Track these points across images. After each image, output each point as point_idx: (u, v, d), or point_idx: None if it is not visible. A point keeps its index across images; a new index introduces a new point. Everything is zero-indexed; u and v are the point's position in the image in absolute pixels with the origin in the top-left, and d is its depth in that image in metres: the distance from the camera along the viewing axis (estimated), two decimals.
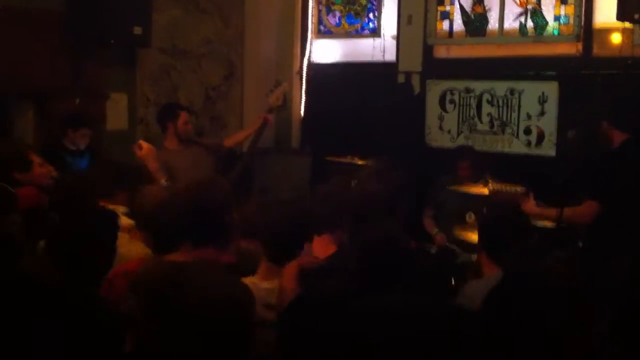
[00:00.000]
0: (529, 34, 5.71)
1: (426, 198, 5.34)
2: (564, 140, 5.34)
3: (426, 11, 6.14)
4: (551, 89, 5.53)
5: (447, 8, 6.13)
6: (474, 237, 4.04)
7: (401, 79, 6.28)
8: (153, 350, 2.25)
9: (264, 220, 2.92)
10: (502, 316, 1.82)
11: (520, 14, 5.75)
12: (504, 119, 5.78)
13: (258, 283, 2.72)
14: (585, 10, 5.43)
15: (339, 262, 2.70)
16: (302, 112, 6.87)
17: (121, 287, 2.84)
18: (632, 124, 4.18)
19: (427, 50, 6.19)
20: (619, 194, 3.91)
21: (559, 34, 5.59)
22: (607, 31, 5.39)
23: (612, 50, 5.36)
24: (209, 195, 2.76)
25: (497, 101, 5.81)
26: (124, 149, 5.90)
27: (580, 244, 4.13)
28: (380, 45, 6.44)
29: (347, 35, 6.77)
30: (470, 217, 4.84)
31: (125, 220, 3.40)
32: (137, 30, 5.56)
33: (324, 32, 6.89)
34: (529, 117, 5.65)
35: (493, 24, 5.88)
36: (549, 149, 5.55)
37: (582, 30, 5.44)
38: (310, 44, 6.88)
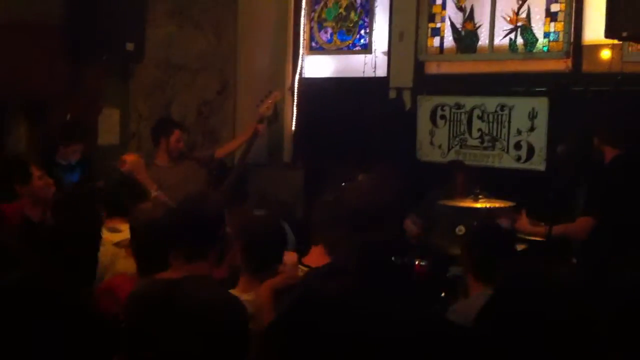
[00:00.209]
0: (519, 51, 5.76)
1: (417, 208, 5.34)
2: (553, 156, 5.37)
3: (417, 28, 6.19)
4: (541, 104, 5.57)
5: (438, 25, 6.18)
6: None
7: (392, 94, 6.31)
8: None
9: (241, 232, 2.93)
10: (499, 330, 1.82)
11: (510, 31, 5.80)
12: (495, 134, 5.81)
13: (238, 295, 2.73)
14: (574, 27, 5.49)
15: (334, 269, 2.70)
16: (293, 127, 6.89)
17: (108, 302, 2.84)
18: (622, 139, 4.21)
19: (418, 66, 6.23)
20: (613, 210, 3.93)
21: (548, 50, 5.63)
22: (597, 47, 5.44)
23: (602, 67, 5.40)
24: (202, 210, 2.76)
25: (488, 117, 5.84)
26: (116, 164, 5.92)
27: (574, 260, 4.13)
28: (372, 61, 6.48)
29: (339, 51, 6.81)
30: (461, 230, 4.83)
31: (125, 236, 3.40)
32: (130, 46, 5.58)
33: (315, 48, 6.93)
34: (519, 132, 5.68)
35: (483, 40, 5.93)
36: (539, 164, 5.58)
37: (571, 46, 5.49)
38: (302, 59, 6.92)
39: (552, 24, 5.61)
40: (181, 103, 6.54)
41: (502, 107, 5.77)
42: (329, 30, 6.83)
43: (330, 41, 6.85)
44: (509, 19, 5.80)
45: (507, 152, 5.73)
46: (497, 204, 4.52)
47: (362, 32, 6.64)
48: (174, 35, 6.39)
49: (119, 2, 5.51)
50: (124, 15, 5.52)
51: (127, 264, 3.21)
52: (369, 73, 6.47)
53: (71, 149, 5.14)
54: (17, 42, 5.20)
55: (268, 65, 6.94)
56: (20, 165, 4.13)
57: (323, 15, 6.85)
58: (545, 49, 5.65)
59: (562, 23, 5.54)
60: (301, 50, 6.91)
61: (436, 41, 6.18)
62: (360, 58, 6.57)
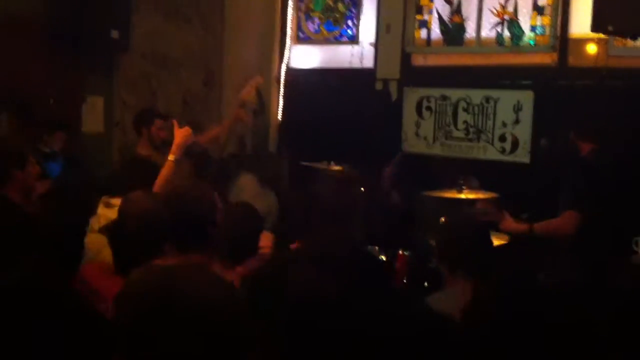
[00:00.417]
0: (506, 44, 5.78)
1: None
2: (538, 148, 5.40)
3: (405, 20, 6.19)
4: (526, 97, 5.59)
5: (426, 17, 6.19)
6: None
7: (379, 85, 6.32)
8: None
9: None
10: (497, 329, 1.81)
11: (497, 24, 5.81)
12: (480, 126, 5.82)
13: None
14: (561, 21, 5.51)
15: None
16: (279, 117, 6.88)
17: (84, 294, 2.81)
18: (597, 134, 4.24)
19: (405, 58, 6.23)
20: (596, 201, 3.95)
21: (535, 44, 5.65)
22: (583, 42, 5.46)
23: (588, 61, 5.43)
24: (194, 201, 2.75)
25: (473, 109, 5.86)
26: (99, 152, 5.89)
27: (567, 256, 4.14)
28: (359, 52, 6.48)
29: (326, 41, 6.80)
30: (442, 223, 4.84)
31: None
32: (115, 34, 5.54)
33: (302, 38, 6.92)
34: (504, 124, 5.70)
35: (470, 33, 5.94)
36: (523, 157, 5.60)
37: (558, 40, 5.51)
38: (289, 50, 6.90)
39: (539, 17, 5.63)
40: (166, 94, 6.51)
41: (488, 99, 5.78)
42: (316, 21, 6.82)
43: (317, 32, 6.83)
44: (496, 12, 5.81)
45: (492, 144, 5.75)
46: (480, 196, 4.54)
47: (350, 23, 6.63)
48: (160, 26, 6.35)
49: None
50: (109, 3, 5.48)
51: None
52: (356, 64, 6.47)
53: (55, 136, 5.10)
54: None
55: (255, 55, 6.92)
56: (18, 149, 4.10)
57: (310, 6, 6.84)
58: (531, 42, 5.67)
59: (549, 17, 5.56)
60: (288, 41, 6.89)
61: (423, 33, 6.19)
62: (347, 49, 6.56)
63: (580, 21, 5.34)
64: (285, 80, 6.87)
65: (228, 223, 2.88)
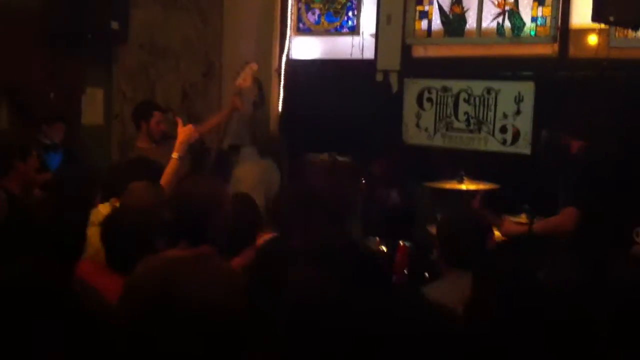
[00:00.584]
0: (506, 35, 5.76)
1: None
2: (539, 140, 5.38)
3: (405, 11, 6.16)
4: (527, 89, 5.57)
5: (426, 8, 6.16)
6: None
7: (379, 77, 6.29)
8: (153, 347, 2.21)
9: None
10: (498, 329, 1.80)
11: (498, 15, 5.79)
12: (481, 117, 5.81)
13: None
14: (562, 12, 5.48)
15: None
16: (279, 109, 6.86)
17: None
18: (596, 129, 4.24)
19: (406, 49, 6.21)
20: (594, 196, 3.94)
21: (535, 34, 5.63)
22: (584, 32, 5.44)
23: (588, 52, 5.41)
24: (203, 195, 2.73)
25: (474, 100, 5.84)
26: (99, 144, 5.88)
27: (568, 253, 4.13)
28: (359, 43, 6.45)
29: (326, 32, 6.78)
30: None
31: None
32: (115, 25, 5.53)
33: (303, 29, 6.90)
34: (505, 116, 5.69)
35: (471, 24, 5.92)
36: (524, 148, 5.59)
37: (558, 31, 5.49)
38: (289, 41, 6.88)
39: (540, 8, 5.60)
40: (166, 85, 6.50)
41: (489, 90, 5.76)
42: (317, 12, 6.79)
43: (317, 23, 6.81)
44: (496, 3, 5.78)
45: (493, 135, 5.74)
46: (481, 187, 4.53)
47: (350, 14, 6.61)
48: (158, 17, 6.33)
49: None
50: None
51: None
52: (357, 55, 6.45)
53: (54, 128, 5.10)
54: None
55: (254, 47, 6.89)
56: (20, 140, 4.10)
57: None
58: (532, 33, 5.65)
59: (550, 8, 5.53)
60: (288, 32, 6.87)
61: (424, 24, 6.16)
62: (347, 40, 6.54)
63: (581, 11, 5.31)
64: (286, 71, 6.85)
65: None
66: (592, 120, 4.36)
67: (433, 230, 4.28)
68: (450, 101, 5.96)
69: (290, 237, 2.64)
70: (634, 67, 5.16)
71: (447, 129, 5.99)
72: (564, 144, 4.16)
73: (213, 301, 2.02)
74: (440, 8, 6.06)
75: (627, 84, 5.13)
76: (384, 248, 4.15)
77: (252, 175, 5.31)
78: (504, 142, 5.69)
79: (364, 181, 5.17)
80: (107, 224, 2.98)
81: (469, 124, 5.87)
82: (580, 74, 5.33)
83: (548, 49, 5.56)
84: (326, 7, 6.73)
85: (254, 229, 3.01)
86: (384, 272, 2.65)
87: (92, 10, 5.35)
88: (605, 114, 4.85)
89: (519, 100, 5.61)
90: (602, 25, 4.90)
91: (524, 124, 5.59)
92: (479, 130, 5.82)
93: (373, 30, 6.42)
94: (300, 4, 6.87)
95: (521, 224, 4.14)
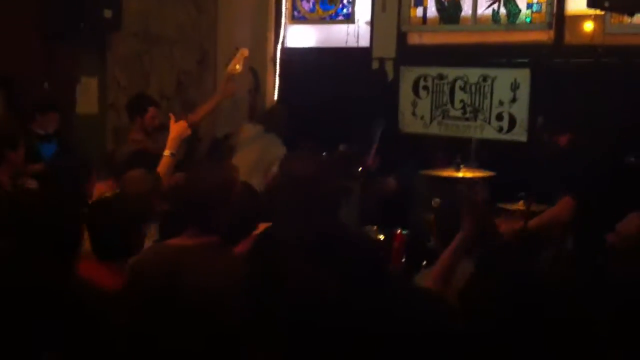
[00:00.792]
0: (502, 22, 5.74)
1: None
2: (535, 127, 5.39)
3: None
4: (523, 76, 5.57)
5: None
6: None
7: (375, 65, 6.28)
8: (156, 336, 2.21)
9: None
10: (497, 327, 1.79)
11: (494, 2, 5.77)
12: (477, 105, 5.81)
13: None
14: None
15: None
16: (275, 97, 6.84)
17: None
18: (578, 119, 4.24)
19: (401, 36, 6.19)
20: (588, 184, 3.95)
21: (531, 21, 5.62)
22: (579, 19, 5.43)
23: (584, 38, 5.41)
24: (212, 184, 2.72)
25: (470, 88, 5.83)
26: (94, 133, 5.85)
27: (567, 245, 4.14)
28: (354, 31, 6.43)
29: (321, 20, 6.75)
30: (436, 203, 4.83)
31: None
32: (108, 13, 5.49)
33: (298, 17, 6.86)
34: (501, 103, 5.68)
35: (466, 11, 5.90)
36: (520, 135, 5.59)
37: (554, 18, 5.48)
38: (285, 29, 6.85)
39: None
40: (160, 74, 6.46)
41: (485, 78, 5.76)
42: (312, 0, 6.76)
43: (312, 10, 6.78)
44: None
45: (489, 123, 5.73)
46: (478, 174, 4.53)
47: (345, 1, 6.58)
48: (152, 5, 6.28)
49: None
50: None
51: None
52: (352, 43, 6.42)
53: (49, 117, 5.07)
54: None
55: (249, 35, 6.85)
56: (10, 130, 4.07)
57: None
58: (528, 20, 5.64)
59: None
60: (283, 20, 6.83)
61: (419, 11, 6.14)
62: (342, 28, 6.51)
63: None
64: (281, 60, 6.82)
65: None
66: (577, 111, 4.37)
67: (430, 218, 4.29)
68: (446, 89, 5.95)
69: (284, 227, 2.64)
70: (630, 54, 5.17)
71: (443, 117, 5.98)
72: (552, 139, 4.17)
73: (215, 292, 2.02)
74: None
75: (622, 70, 5.12)
76: (381, 236, 4.14)
77: (247, 162, 5.31)
78: (500, 130, 5.68)
79: (360, 169, 5.16)
80: (93, 212, 2.97)
81: (465, 112, 5.87)
82: (576, 60, 5.33)
83: (544, 36, 5.55)
84: None
85: (254, 219, 2.99)
86: (381, 262, 2.62)
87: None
88: (601, 100, 4.86)
89: (514, 87, 5.61)
90: (598, 12, 4.89)
91: (520, 111, 5.59)
92: (475, 118, 5.81)
93: (368, 17, 6.40)
94: None
95: (519, 211, 4.14)
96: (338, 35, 6.56)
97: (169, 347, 2.05)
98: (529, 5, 5.62)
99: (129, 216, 2.94)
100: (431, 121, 6.04)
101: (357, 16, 6.47)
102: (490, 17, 5.79)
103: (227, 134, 6.25)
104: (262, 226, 2.95)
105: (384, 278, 1.97)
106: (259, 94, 6.69)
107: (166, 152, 4.02)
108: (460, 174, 4.44)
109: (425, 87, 6.06)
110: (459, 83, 5.90)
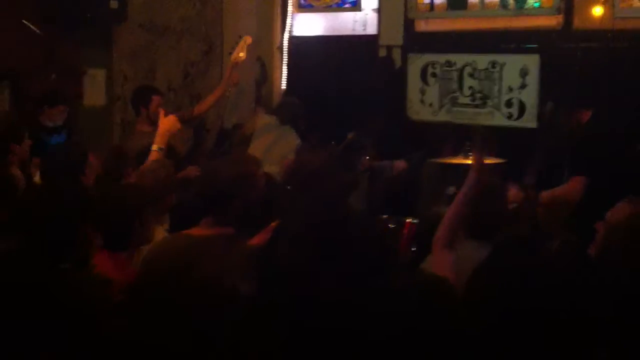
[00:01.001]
0: (510, 7, 5.68)
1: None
2: (542, 112, 5.36)
3: None
4: (532, 61, 5.52)
5: None
6: None
7: (382, 52, 6.25)
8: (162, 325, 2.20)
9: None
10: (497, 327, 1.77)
11: None
12: (486, 92, 5.77)
13: None
14: None
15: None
16: (283, 87, 6.82)
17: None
18: (599, 96, 4.20)
19: (408, 23, 6.14)
20: (600, 165, 3.92)
21: (540, 6, 5.56)
22: (588, 3, 5.38)
23: (593, 23, 5.35)
24: (232, 176, 2.71)
25: (479, 74, 5.79)
26: (101, 125, 5.85)
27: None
28: (361, 18, 6.39)
29: (328, 8, 6.71)
30: (451, 191, 4.81)
31: None
32: (113, 4, 5.49)
33: (304, 5, 6.82)
34: (510, 89, 5.64)
35: None
36: (530, 122, 5.55)
37: (562, 2, 5.42)
38: (291, 18, 6.81)
39: None
40: (166, 65, 6.44)
41: (494, 64, 5.71)
42: None
43: None
44: None
45: (499, 109, 5.70)
46: (488, 161, 4.49)
47: None
48: None
49: None
50: None
51: None
52: (359, 31, 6.40)
53: (57, 109, 5.07)
54: None
55: (256, 24, 6.82)
56: (15, 123, 4.09)
57: None
58: (536, 5, 5.58)
59: None
60: (290, 9, 6.80)
61: None
62: (349, 16, 6.48)
63: None
64: (288, 48, 6.79)
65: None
66: (600, 89, 4.33)
67: (440, 207, 4.28)
68: (455, 76, 5.91)
69: (295, 218, 2.62)
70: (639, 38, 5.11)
71: (452, 104, 5.95)
72: (573, 114, 4.13)
73: (227, 284, 2.01)
74: None
75: (632, 55, 5.07)
76: (390, 225, 4.12)
77: (260, 151, 5.32)
78: (510, 117, 5.64)
79: (367, 158, 5.14)
80: (99, 203, 2.96)
81: (474, 99, 5.83)
82: (585, 45, 5.27)
83: (552, 21, 5.50)
84: None
85: (272, 210, 2.97)
86: (389, 253, 2.61)
87: None
88: (611, 85, 4.81)
89: (524, 73, 5.56)
90: None
91: (530, 97, 5.55)
92: (484, 104, 5.78)
93: (375, 5, 6.36)
94: None
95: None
96: (345, 23, 6.52)
97: (176, 340, 2.04)
98: None
99: (133, 206, 2.94)
100: (440, 108, 6.00)
101: (364, 4, 6.43)
102: (499, 2, 5.73)
103: (235, 124, 6.24)
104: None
105: (389, 272, 1.94)
106: (266, 83, 6.67)
107: (154, 147, 3.95)
108: (469, 162, 4.40)
109: (434, 74, 6.02)
110: (467, 70, 5.85)
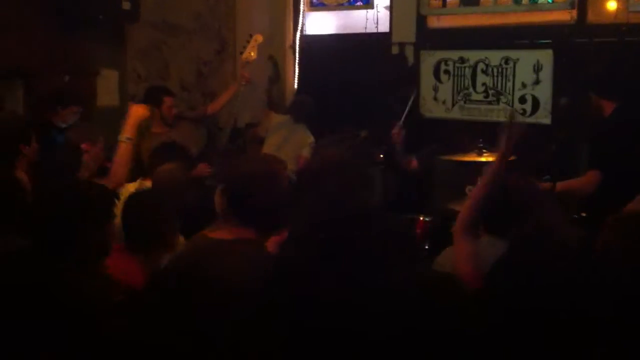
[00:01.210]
0: (523, 2, 5.65)
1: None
2: (557, 107, 5.32)
3: None
4: (546, 57, 5.48)
5: None
6: None
7: (395, 50, 6.22)
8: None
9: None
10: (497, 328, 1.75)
11: None
12: (499, 88, 5.73)
13: None
14: None
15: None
16: (295, 86, 6.81)
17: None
18: (620, 92, 4.15)
19: (421, 20, 6.12)
20: (618, 161, 3.89)
21: (553, 1, 5.52)
22: None
23: (607, 17, 5.31)
24: (260, 178, 2.68)
25: (492, 70, 5.76)
26: (115, 126, 5.86)
27: (584, 214, 4.09)
28: (374, 16, 6.37)
29: (340, 7, 6.70)
30: (470, 190, 4.78)
31: None
32: (126, 5, 5.50)
33: (316, 4, 6.82)
34: (524, 86, 5.61)
35: None
36: (544, 118, 5.51)
37: None
38: (303, 16, 6.81)
39: None
40: (179, 64, 6.46)
41: (507, 60, 5.68)
42: None
43: None
44: None
45: (512, 106, 5.66)
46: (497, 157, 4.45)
47: None
48: None
49: None
50: None
51: None
52: (371, 28, 6.37)
53: (70, 110, 5.08)
54: (6, 5, 5.11)
55: (268, 23, 6.83)
56: (24, 124, 4.09)
57: None
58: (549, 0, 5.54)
59: None
60: (302, 7, 6.79)
61: None
62: (362, 13, 6.46)
63: None
64: (300, 47, 6.78)
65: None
66: (624, 81, 4.28)
67: (454, 205, 4.25)
68: (468, 72, 5.88)
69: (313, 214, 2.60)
70: None
71: (465, 101, 5.92)
72: (597, 106, 4.10)
73: (239, 287, 1.99)
74: None
75: None
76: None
77: (272, 148, 5.34)
78: (523, 113, 5.61)
79: (381, 155, 5.13)
80: (126, 206, 2.97)
81: (487, 95, 5.80)
82: (599, 40, 5.23)
83: (566, 15, 5.45)
84: None
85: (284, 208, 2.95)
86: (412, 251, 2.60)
87: None
88: (626, 79, 4.76)
89: (537, 69, 5.52)
90: None
91: (544, 93, 5.51)
92: (498, 101, 5.74)
93: (387, 2, 6.34)
94: None
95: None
96: (357, 20, 6.50)
97: (182, 345, 2.04)
98: None
99: (162, 210, 2.94)
100: (453, 105, 5.97)
101: (375, 1, 6.42)
102: None
103: (248, 123, 6.25)
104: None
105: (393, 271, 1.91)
106: (278, 82, 6.66)
107: (122, 138, 3.85)
108: (483, 159, 4.38)
109: (447, 71, 6.00)
110: (480, 66, 5.82)
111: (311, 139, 5.48)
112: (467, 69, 5.89)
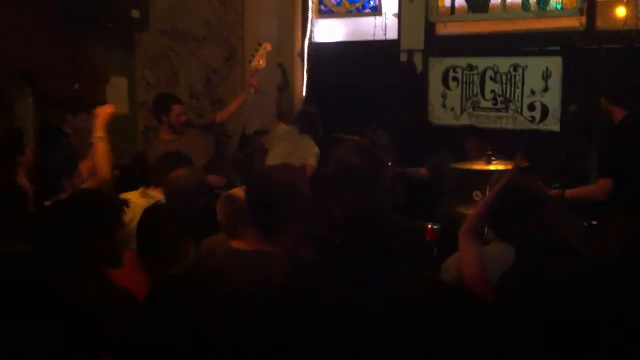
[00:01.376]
0: (532, 9, 5.65)
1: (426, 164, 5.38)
2: (566, 114, 5.31)
3: None
4: (555, 64, 5.47)
5: None
6: None
7: (403, 57, 6.22)
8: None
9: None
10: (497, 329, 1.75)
11: None
12: (508, 95, 5.72)
13: None
14: None
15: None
16: (304, 93, 6.81)
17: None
18: (630, 99, 4.14)
19: (429, 27, 6.12)
20: (628, 167, 3.88)
21: (562, 7, 5.52)
22: (611, 3, 5.34)
23: (616, 23, 5.30)
24: (278, 187, 2.68)
25: (501, 77, 5.75)
26: (125, 134, 5.89)
27: (594, 222, 4.07)
28: (382, 23, 6.38)
29: (348, 14, 6.71)
30: (477, 196, 4.77)
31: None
32: (135, 13, 5.52)
33: (324, 11, 6.83)
34: (532, 93, 5.60)
35: None
36: (553, 125, 5.49)
37: (585, 3, 5.37)
38: (312, 23, 6.82)
39: None
40: (188, 71, 6.48)
41: (515, 67, 5.67)
42: None
43: (339, 4, 6.74)
44: None
45: (521, 113, 5.65)
46: (510, 166, 4.45)
47: None
48: (178, 2, 6.30)
49: None
50: None
51: None
52: (380, 36, 6.38)
53: (79, 118, 5.10)
54: (17, 11, 5.14)
55: (276, 30, 6.85)
56: (20, 133, 4.11)
57: None
58: (558, 6, 5.54)
59: None
60: (310, 14, 6.80)
61: (447, 1, 6.07)
62: (370, 21, 6.47)
63: None
64: (309, 54, 6.79)
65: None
66: (635, 88, 4.26)
67: (463, 210, 4.24)
68: (477, 79, 5.88)
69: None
70: None
71: (473, 108, 5.91)
72: (607, 112, 4.09)
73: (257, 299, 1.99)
74: None
75: None
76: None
77: (277, 158, 5.34)
78: (532, 120, 5.59)
79: (390, 163, 5.12)
80: (141, 220, 2.96)
81: (496, 103, 5.79)
82: (608, 46, 5.21)
83: (575, 22, 5.45)
84: None
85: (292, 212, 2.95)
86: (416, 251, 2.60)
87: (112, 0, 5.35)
88: (636, 85, 4.74)
89: (546, 76, 5.51)
90: None
91: (553, 100, 5.49)
92: (507, 108, 5.73)
93: (395, 9, 6.34)
94: None
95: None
96: (365, 28, 6.51)
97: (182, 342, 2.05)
98: None
99: (178, 228, 2.93)
100: (461, 113, 5.97)
101: (384, 8, 6.43)
102: (520, 4, 5.70)
103: (256, 131, 6.25)
104: None
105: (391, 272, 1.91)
106: (287, 89, 6.67)
107: (94, 139, 3.92)
108: (492, 167, 4.37)
109: (455, 78, 5.99)
110: (489, 73, 5.81)
111: (316, 149, 5.48)
112: (475, 76, 5.89)
